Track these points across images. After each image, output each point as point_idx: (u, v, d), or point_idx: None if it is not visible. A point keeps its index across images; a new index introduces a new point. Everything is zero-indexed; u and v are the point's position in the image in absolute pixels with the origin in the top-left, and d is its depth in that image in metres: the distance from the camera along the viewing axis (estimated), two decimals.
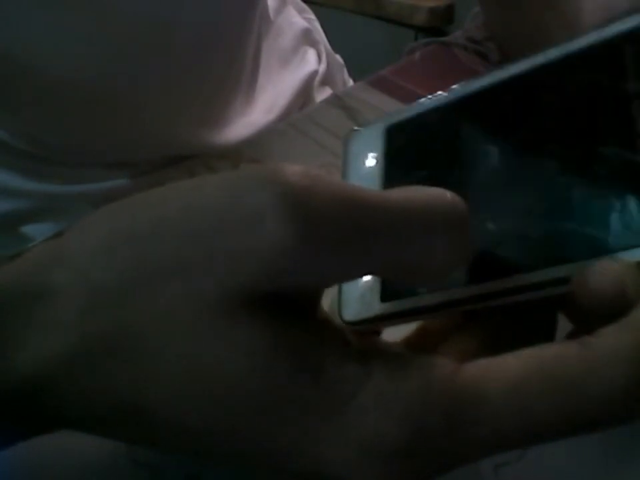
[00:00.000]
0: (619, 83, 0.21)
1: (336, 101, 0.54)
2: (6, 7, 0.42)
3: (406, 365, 0.19)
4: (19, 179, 0.52)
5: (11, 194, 0.53)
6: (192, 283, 0.19)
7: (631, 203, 0.20)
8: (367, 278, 0.24)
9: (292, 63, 0.64)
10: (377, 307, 0.24)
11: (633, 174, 0.20)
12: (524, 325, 0.22)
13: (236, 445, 0.20)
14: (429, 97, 0.26)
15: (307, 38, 0.67)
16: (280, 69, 0.63)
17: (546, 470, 0.30)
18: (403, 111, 0.27)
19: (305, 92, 0.64)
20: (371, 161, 0.27)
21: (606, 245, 0.20)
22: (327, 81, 0.67)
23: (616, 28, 0.22)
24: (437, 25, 1.17)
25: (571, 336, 0.21)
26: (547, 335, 0.22)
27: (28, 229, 0.54)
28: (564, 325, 0.22)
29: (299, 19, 0.68)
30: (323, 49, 0.69)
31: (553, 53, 0.23)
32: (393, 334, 0.24)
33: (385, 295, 0.24)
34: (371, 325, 0.24)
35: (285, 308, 0.19)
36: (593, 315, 0.19)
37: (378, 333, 0.26)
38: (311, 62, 0.66)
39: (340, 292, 0.25)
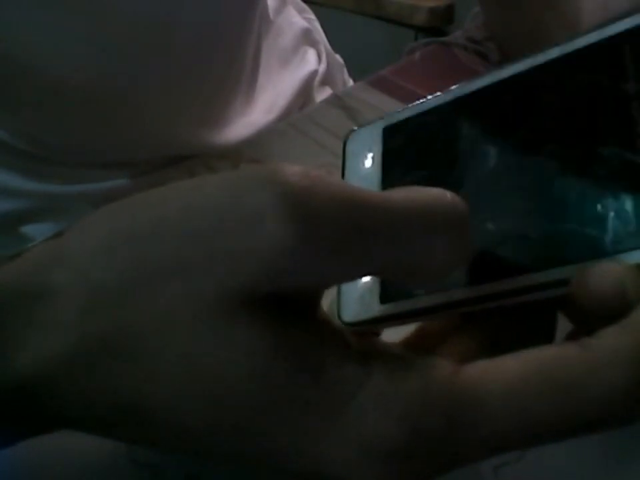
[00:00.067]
0: (619, 82, 0.21)
1: (336, 101, 0.54)
2: (6, 7, 0.42)
3: (406, 365, 0.19)
4: (19, 179, 0.52)
5: (11, 194, 0.53)
6: (192, 283, 0.19)
7: (631, 204, 0.20)
8: (366, 279, 0.24)
9: (292, 63, 0.64)
10: (376, 309, 0.24)
11: (633, 175, 0.20)
12: (523, 326, 0.22)
13: (236, 444, 0.20)
14: (429, 96, 0.26)
15: (307, 38, 0.67)
16: (280, 69, 0.63)
17: (546, 470, 0.30)
18: (402, 111, 0.27)
19: (305, 92, 0.64)
20: (370, 160, 0.27)
21: (606, 246, 0.20)
22: (327, 81, 0.67)
23: (616, 28, 0.22)
24: (437, 25, 1.17)
25: (571, 337, 0.21)
26: (546, 336, 0.22)
27: (28, 229, 0.54)
28: (564, 325, 0.22)
29: (299, 19, 0.68)
30: (323, 49, 0.69)
31: (552, 53, 0.23)
32: (392, 335, 0.24)
33: (384, 297, 0.24)
34: (370, 326, 0.24)
35: (285, 308, 0.19)
36: (592, 316, 0.19)
37: (377, 334, 0.26)
38: (311, 62, 0.66)
39: (339, 293, 0.25)
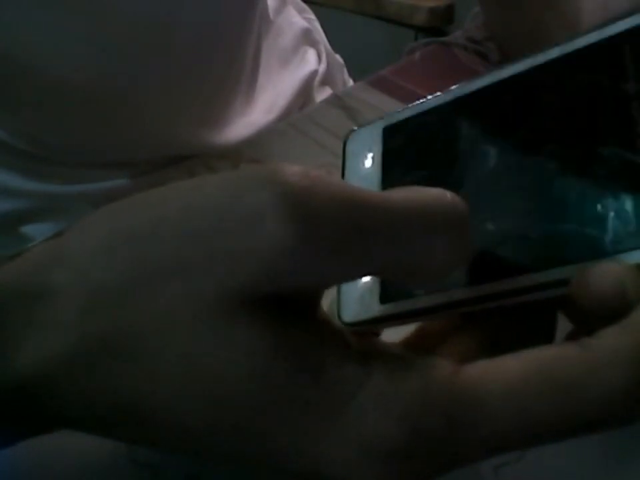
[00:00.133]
0: (619, 82, 0.21)
1: (336, 101, 0.54)
2: (6, 7, 0.42)
3: (406, 365, 0.19)
4: (19, 179, 0.52)
5: (11, 194, 0.53)
6: (192, 282, 0.19)
7: (631, 204, 0.20)
8: (366, 279, 0.24)
9: (292, 63, 0.64)
10: (376, 309, 0.24)
11: (633, 175, 0.20)
12: (523, 326, 0.22)
13: (236, 444, 0.20)
14: (429, 96, 0.26)
15: (307, 38, 0.67)
16: (280, 69, 0.63)
17: (546, 470, 0.30)
18: (402, 111, 0.27)
19: (305, 92, 0.64)
20: (370, 160, 0.27)
21: (606, 246, 0.20)
22: (327, 80, 0.67)
23: (616, 28, 0.22)
24: (437, 25, 1.17)
25: (571, 337, 0.21)
26: (546, 336, 0.22)
27: (28, 229, 0.54)
28: (564, 325, 0.22)
29: (299, 19, 0.68)
30: (322, 49, 0.69)
31: (552, 53, 0.23)
32: (392, 335, 0.24)
33: (384, 297, 0.24)
34: (370, 326, 0.24)
35: (285, 308, 0.19)
36: (592, 316, 0.19)
37: (377, 334, 0.26)
38: (310, 62, 0.66)
39: (339, 293, 0.25)
